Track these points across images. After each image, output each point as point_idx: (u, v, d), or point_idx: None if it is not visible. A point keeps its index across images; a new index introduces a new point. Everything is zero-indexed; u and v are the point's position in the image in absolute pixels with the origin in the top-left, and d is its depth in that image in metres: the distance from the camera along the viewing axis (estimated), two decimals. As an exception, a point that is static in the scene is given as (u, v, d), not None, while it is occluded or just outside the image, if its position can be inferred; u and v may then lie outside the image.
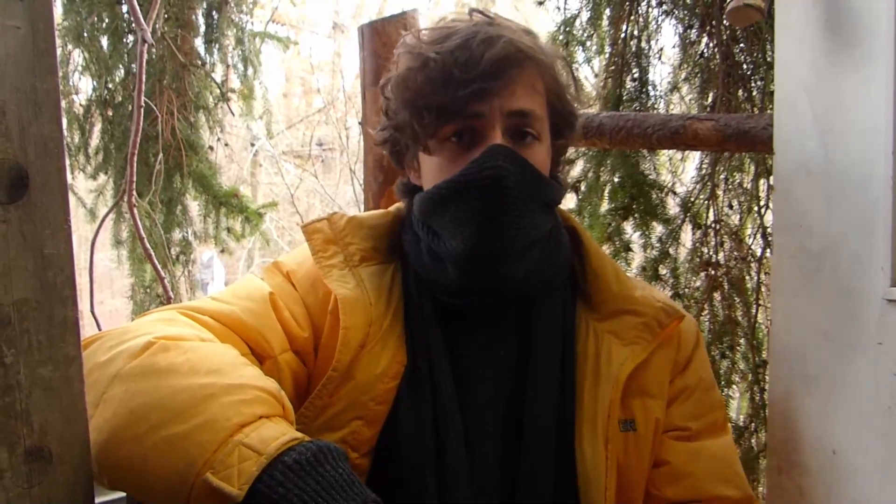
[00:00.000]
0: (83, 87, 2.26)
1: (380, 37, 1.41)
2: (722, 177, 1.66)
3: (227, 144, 2.48)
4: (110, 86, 2.20)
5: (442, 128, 0.74)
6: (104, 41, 2.15)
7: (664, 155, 1.76)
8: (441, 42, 0.73)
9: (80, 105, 2.24)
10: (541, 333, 0.77)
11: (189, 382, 0.59)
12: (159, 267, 1.86)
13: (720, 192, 1.66)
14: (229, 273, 5.28)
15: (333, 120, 4.73)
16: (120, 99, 2.20)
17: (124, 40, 2.15)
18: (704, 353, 0.85)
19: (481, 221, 0.71)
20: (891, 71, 0.80)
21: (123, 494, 0.63)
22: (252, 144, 3.98)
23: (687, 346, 0.82)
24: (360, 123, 1.74)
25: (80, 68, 2.20)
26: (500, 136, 0.72)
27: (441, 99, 0.72)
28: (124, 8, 2.06)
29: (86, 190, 2.34)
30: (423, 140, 0.76)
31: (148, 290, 2.26)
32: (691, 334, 0.83)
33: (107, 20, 2.12)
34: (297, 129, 5.24)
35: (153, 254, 1.82)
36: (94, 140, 2.25)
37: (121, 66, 2.18)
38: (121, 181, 2.15)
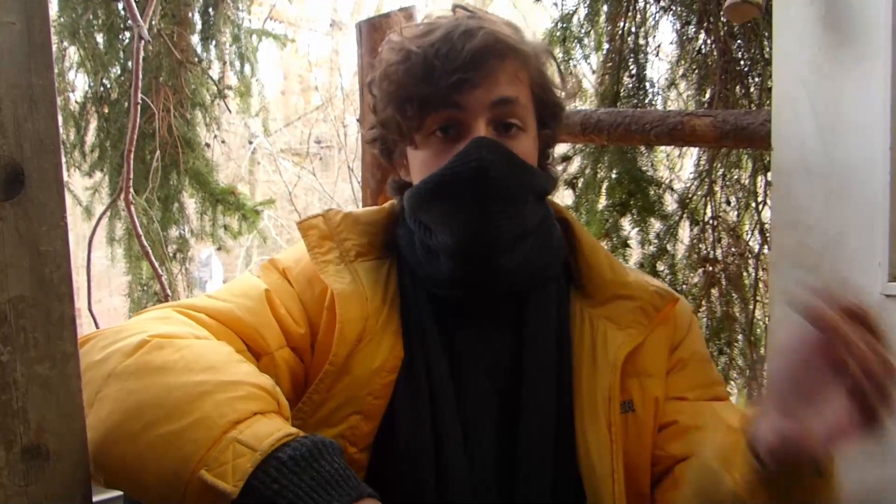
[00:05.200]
0: (79, 84, 2.26)
1: (377, 33, 1.41)
2: (720, 173, 1.66)
3: (223, 142, 2.48)
4: (106, 83, 2.19)
5: (425, 120, 0.74)
6: (100, 38, 2.14)
7: (662, 151, 1.76)
8: (423, 37, 0.73)
9: (76, 102, 2.23)
10: (535, 326, 0.77)
11: (183, 380, 0.59)
12: (157, 264, 1.86)
13: (718, 189, 1.66)
14: (228, 271, 5.27)
15: (332, 117, 4.73)
16: (116, 96, 2.20)
17: (120, 37, 2.14)
18: (697, 330, 0.85)
19: (469, 213, 0.72)
20: (888, 67, 0.80)
21: (121, 493, 0.62)
22: (250, 142, 3.97)
23: (682, 327, 0.82)
24: (357, 121, 1.74)
25: (75, 65, 2.19)
26: (484, 128, 0.72)
27: (423, 91, 0.72)
28: (120, 4, 2.05)
29: (82, 187, 2.33)
30: (407, 134, 0.76)
31: (145, 288, 2.26)
32: (685, 315, 0.83)
33: (102, 17, 2.11)
34: (295, 126, 5.23)
35: (150, 251, 1.81)
36: (90, 137, 2.25)
37: (117, 63, 2.17)
38: (117, 179, 2.15)
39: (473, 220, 0.71)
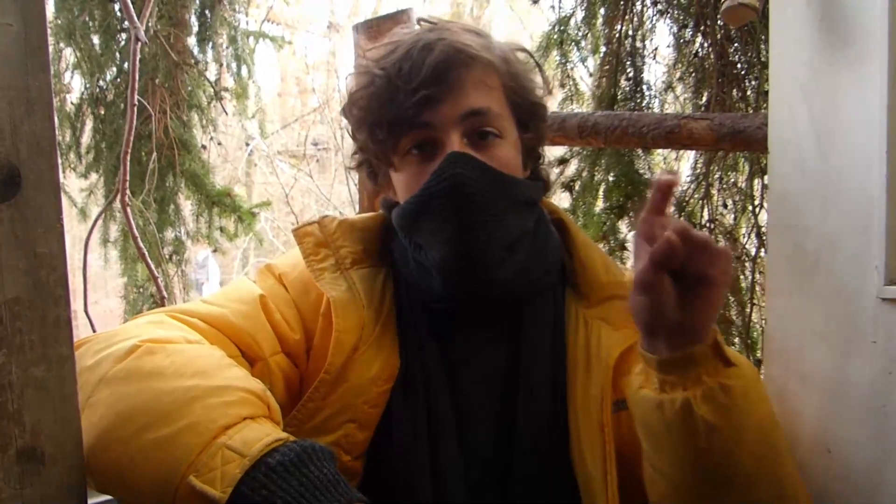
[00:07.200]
0: (75, 85, 2.25)
1: (374, 36, 1.41)
2: (716, 176, 1.66)
3: (220, 143, 2.48)
4: (102, 84, 2.18)
5: (399, 142, 0.74)
6: (96, 39, 2.13)
7: (658, 154, 1.76)
8: (385, 57, 0.74)
9: (72, 104, 2.22)
10: (531, 335, 0.76)
11: (174, 385, 0.59)
12: (153, 266, 1.85)
13: (714, 192, 1.66)
14: (224, 273, 5.26)
15: (328, 119, 4.72)
16: (112, 97, 2.19)
17: (117, 38, 2.14)
18: None
19: (450, 231, 0.71)
20: (885, 70, 0.80)
21: (111, 498, 0.62)
22: (247, 144, 3.97)
23: None
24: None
25: (71, 66, 2.19)
26: (458, 142, 0.72)
27: (390, 114, 0.72)
28: (117, 6, 2.05)
29: (77, 189, 2.32)
30: (384, 158, 0.76)
31: (141, 290, 2.25)
32: None
33: (99, 18, 2.10)
34: (292, 128, 5.23)
35: (146, 253, 1.81)
36: (86, 139, 2.24)
37: (113, 64, 2.17)
38: (112, 180, 2.15)
39: (455, 236, 0.71)
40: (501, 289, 0.74)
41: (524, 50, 0.81)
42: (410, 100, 0.70)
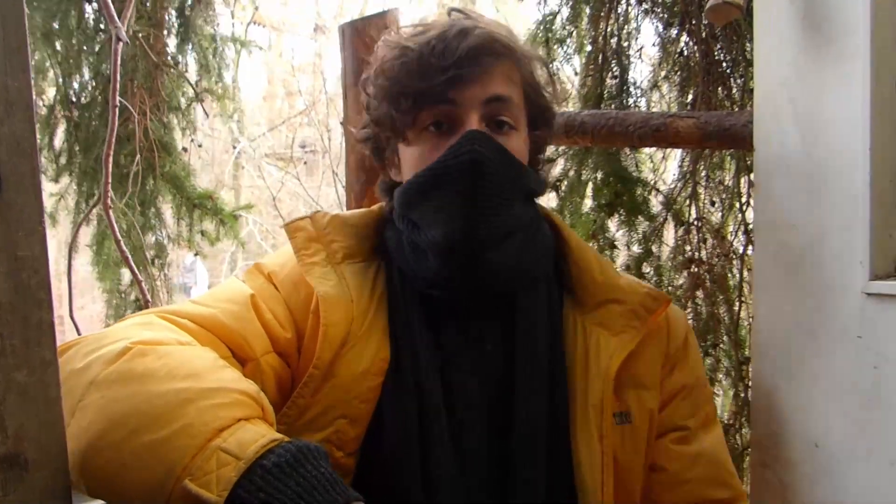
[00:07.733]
0: (46, 87, 2.21)
1: (361, 36, 1.40)
2: (703, 174, 1.67)
3: (200, 146, 2.45)
4: (76, 85, 2.15)
5: (419, 115, 0.75)
6: (70, 40, 2.10)
7: (645, 153, 1.77)
8: (419, 35, 0.75)
9: (44, 106, 2.17)
10: (526, 327, 0.76)
11: (166, 387, 0.58)
12: (136, 270, 1.83)
13: (701, 190, 1.67)
14: (212, 276, 5.22)
15: (315, 122, 4.71)
16: (87, 99, 2.15)
17: (94, 39, 2.11)
18: (697, 348, 0.85)
19: (461, 206, 0.72)
20: (868, 67, 0.81)
21: (102, 502, 0.61)
22: (234, 147, 3.94)
23: (677, 336, 0.82)
24: (341, 124, 1.73)
25: (44, 68, 2.14)
26: (477, 123, 0.73)
27: (418, 86, 0.73)
28: (94, 6, 2.02)
29: (47, 193, 2.28)
30: (401, 129, 0.76)
31: (123, 295, 2.22)
32: (681, 324, 0.83)
33: (74, 19, 2.07)
34: (279, 131, 5.20)
35: (130, 257, 1.79)
36: (58, 141, 2.19)
37: (87, 65, 2.13)
38: (86, 183, 2.11)
39: (464, 213, 0.72)
40: (493, 275, 0.74)
41: (540, 58, 0.83)
42: (440, 77, 0.72)
